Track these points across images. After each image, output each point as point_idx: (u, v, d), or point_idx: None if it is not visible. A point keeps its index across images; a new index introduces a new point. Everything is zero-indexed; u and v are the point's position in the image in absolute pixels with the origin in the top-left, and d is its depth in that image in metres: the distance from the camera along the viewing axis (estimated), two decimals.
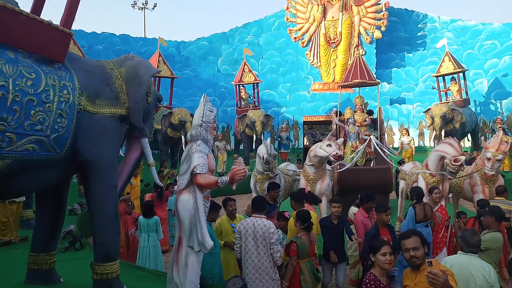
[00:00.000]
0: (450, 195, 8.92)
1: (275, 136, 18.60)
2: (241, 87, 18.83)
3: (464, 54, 20.61)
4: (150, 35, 41.22)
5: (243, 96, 18.87)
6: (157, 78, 16.57)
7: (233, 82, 19.16)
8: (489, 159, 7.53)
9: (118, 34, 22.23)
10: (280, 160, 14.82)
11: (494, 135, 9.56)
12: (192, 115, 16.35)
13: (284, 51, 22.32)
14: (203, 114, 4.29)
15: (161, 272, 6.00)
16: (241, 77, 18.43)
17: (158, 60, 16.48)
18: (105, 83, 4.57)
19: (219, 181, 3.94)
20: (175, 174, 8.71)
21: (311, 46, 21.40)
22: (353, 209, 6.72)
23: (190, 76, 21.89)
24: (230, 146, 19.58)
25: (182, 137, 14.08)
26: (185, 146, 4.37)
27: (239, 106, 18.71)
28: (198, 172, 3.96)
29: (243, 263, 4.82)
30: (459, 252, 3.62)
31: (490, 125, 17.10)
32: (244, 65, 18.63)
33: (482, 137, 14.60)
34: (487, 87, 19.00)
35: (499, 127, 14.32)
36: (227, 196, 6.23)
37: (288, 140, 18.02)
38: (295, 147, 19.84)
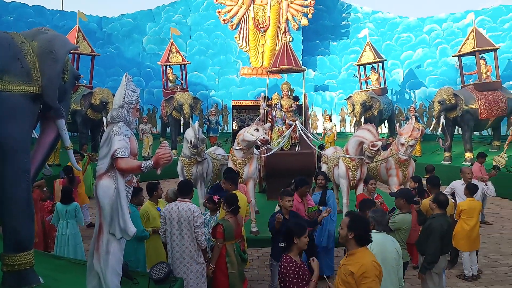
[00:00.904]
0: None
1: (203, 120, 18.38)
2: (168, 68, 18.28)
3: (383, 45, 21.85)
4: (69, 8, 38.35)
5: (170, 78, 18.34)
6: (76, 55, 15.48)
7: (159, 62, 18.51)
8: (402, 144, 8.10)
9: (31, 5, 20.30)
10: (209, 144, 14.73)
11: (407, 122, 10.32)
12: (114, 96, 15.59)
13: (213, 33, 21.99)
14: (125, 94, 4.08)
15: (80, 260, 5.70)
16: (168, 58, 17.86)
17: (77, 35, 15.39)
18: (14, 57, 4.14)
19: (142, 166, 3.79)
20: (95, 157, 8.28)
21: (240, 30, 21.32)
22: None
23: (112, 54, 20.73)
24: (156, 129, 19.01)
25: (104, 118, 13.39)
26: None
27: (165, 87, 18.17)
28: (119, 156, 3.76)
29: (169, 248, 4.77)
30: (373, 231, 3.90)
31: (405, 113, 18.42)
32: (171, 45, 18.06)
33: (397, 124, 15.69)
34: (402, 77, 20.37)
35: (412, 115, 15.48)
36: (151, 181, 6.07)
37: (217, 124, 17.94)
38: (224, 131, 19.82)
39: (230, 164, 8.38)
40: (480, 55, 14.69)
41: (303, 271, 3.50)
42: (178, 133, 16.85)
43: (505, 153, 12.31)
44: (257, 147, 9.19)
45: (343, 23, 24.14)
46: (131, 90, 4.13)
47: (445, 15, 21.64)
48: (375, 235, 3.91)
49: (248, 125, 9.29)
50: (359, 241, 3.28)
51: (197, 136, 7.72)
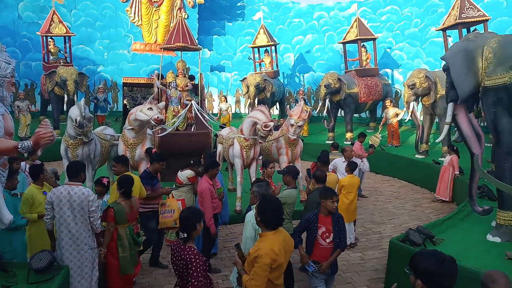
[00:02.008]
0: (261, 157, 9.86)
1: (90, 97, 17.15)
2: (50, 40, 16.54)
3: (277, 28, 22.55)
4: None
5: (52, 50, 16.64)
6: None
7: (38, 33, 16.62)
8: (292, 125, 8.54)
9: None
10: (96, 124, 13.84)
11: (297, 104, 10.89)
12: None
13: (101, 4, 20.39)
14: None
15: None
16: (49, 28, 16.12)
17: None
18: None
19: (19, 146, 3.42)
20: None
21: (132, 3, 20.14)
22: (186, 173, 6.69)
23: None
24: (35, 107, 17.17)
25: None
26: None
27: (46, 61, 16.43)
28: None
29: (58, 235, 4.43)
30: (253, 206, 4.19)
31: (294, 95, 19.37)
32: (53, 14, 16.32)
33: (288, 106, 16.46)
34: (293, 61, 21.32)
35: (301, 98, 16.37)
36: (34, 163, 5.53)
37: (106, 102, 16.89)
38: (114, 109, 18.75)
39: (121, 145, 8.00)
40: (362, 44, 16.05)
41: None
42: (61, 111, 15.50)
43: (379, 134, 13.74)
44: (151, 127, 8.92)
45: (239, 4, 24.28)
46: (5, 62, 3.67)
47: (333, 4, 23.07)
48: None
49: (141, 104, 8.95)
50: (265, 225, 3.35)
51: (83, 114, 7.21)
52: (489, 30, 11.94)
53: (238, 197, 8.28)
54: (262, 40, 17.91)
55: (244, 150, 8.23)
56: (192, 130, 10.61)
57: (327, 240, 4.44)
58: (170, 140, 9.64)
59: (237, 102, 20.19)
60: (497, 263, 4.80)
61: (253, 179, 8.16)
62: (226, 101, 17.02)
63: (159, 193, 6.07)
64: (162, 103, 9.06)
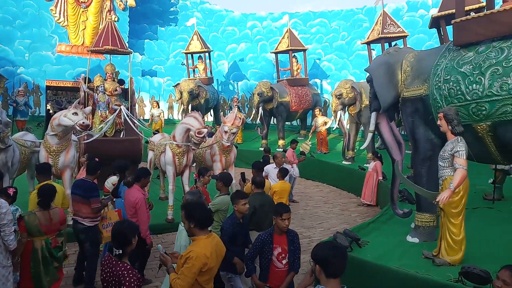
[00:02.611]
0: (194, 164, 9.75)
1: (9, 101, 15.88)
2: None
3: (210, 35, 22.56)
4: None
5: None
6: None
7: None
8: (226, 132, 8.56)
9: None
10: (16, 129, 12.83)
11: (231, 111, 10.95)
12: None
13: (22, 1, 19.04)
14: None
15: None
16: None
17: None
18: None
19: None
20: None
21: (57, 2, 19.02)
22: (112, 179, 6.37)
23: None
24: None
25: None
26: None
27: None
28: None
29: None
30: None
31: (229, 102, 19.44)
32: None
33: (221, 113, 16.48)
34: (227, 69, 21.43)
35: (235, 105, 16.47)
36: None
37: (27, 106, 15.70)
38: (36, 114, 17.48)
39: (42, 152, 7.48)
40: (293, 54, 16.56)
41: None
42: None
43: (309, 141, 14.22)
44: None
45: (172, 9, 23.97)
46: None
47: (265, 14, 23.60)
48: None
49: (66, 108, 8.45)
50: (199, 227, 3.34)
51: (0, 119, 6.63)
52: (408, 45, 12.94)
53: (170, 205, 8.09)
54: (196, 46, 17.79)
55: (177, 157, 8.07)
56: (121, 136, 10.22)
57: (283, 262, 4.10)
58: (97, 146, 9.19)
59: (170, 108, 19.82)
60: (415, 262, 5.15)
61: (186, 187, 8.03)
62: (158, 107, 16.62)
63: (103, 205, 5.72)
64: (89, 108, 8.63)
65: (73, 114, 7.30)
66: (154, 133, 10.84)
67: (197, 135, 7.62)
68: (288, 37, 16.31)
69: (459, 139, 4.73)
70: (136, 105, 16.50)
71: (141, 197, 5.43)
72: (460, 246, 4.86)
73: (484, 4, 7.03)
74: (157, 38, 22.68)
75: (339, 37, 21.20)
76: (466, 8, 8.06)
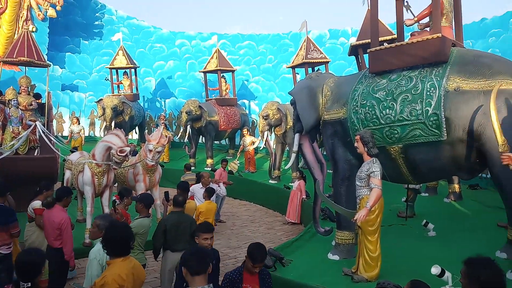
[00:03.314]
0: (116, 184, 9.31)
1: None
2: None
3: (137, 51, 22.02)
4: None
5: None
6: None
7: None
8: (150, 150, 8.32)
9: None
10: None
11: (156, 129, 10.68)
12: None
13: None
14: None
15: None
16: None
17: None
18: None
19: None
20: None
21: None
22: (33, 204, 5.82)
23: None
24: None
25: None
26: None
27: None
28: None
29: None
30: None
31: (155, 120, 18.98)
32: None
33: (146, 131, 15.98)
34: (154, 86, 20.99)
35: (162, 123, 16.12)
36: None
37: None
38: None
39: None
40: (222, 74, 16.69)
41: None
42: None
43: (237, 160, 14.31)
44: None
45: (97, 22, 23.10)
46: None
47: (195, 33, 23.64)
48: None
49: None
50: (113, 252, 3.21)
51: None
52: (329, 71, 13.69)
53: (87, 228, 7.58)
54: (121, 61, 17.24)
55: (96, 177, 7.65)
56: (36, 154, 9.50)
57: None
58: (9, 165, 8.45)
59: (92, 124, 18.86)
60: (336, 279, 5.31)
61: (106, 209, 7.62)
62: (79, 123, 15.72)
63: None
64: None
65: None
66: (72, 151, 10.20)
67: (118, 153, 7.30)
68: (217, 57, 16.44)
69: (374, 160, 5.03)
70: (54, 121, 15.51)
71: (67, 217, 5.20)
72: (376, 263, 5.11)
73: (395, 35, 7.66)
74: (80, 52, 21.65)
75: (266, 60, 21.83)
76: (380, 38, 8.75)
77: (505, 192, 4.96)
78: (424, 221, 7.13)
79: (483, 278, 2.39)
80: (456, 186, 9.35)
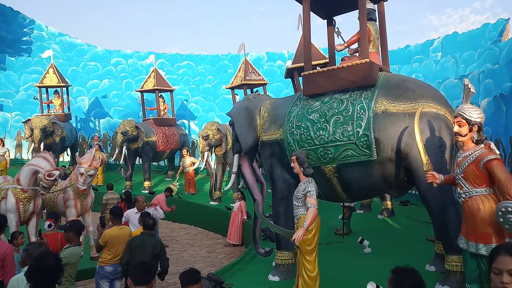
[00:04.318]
0: (45, 210, 8.70)
1: None
2: None
3: (69, 70, 21.10)
4: None
5: None
6: None
7: None
8: (82, 174, 7.90)
9: None
10: None
11: (88, 151, 10.18)
12: None
13: None
14: None
15: None
16: None
17: None
18: None
19: None
20: None
21: None
22: None
23: None
24: None
25: None
26: None
27: None
28: None
29: None
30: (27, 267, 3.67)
31: (89, 141, 18.14)
32: None
33: (77, 153, 15.18)
34: (88, 105, 20.14)
35: (96, 144, 15.43)
36: None
37: None
38: None
39: None
40: (160, 94, 16.40)
41: None
42: None
43: (177, 182, 14.00)
44: None
45: (25, 38, 21.88)
46: None
47: (131, 52, 23.14)
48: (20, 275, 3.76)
49: None
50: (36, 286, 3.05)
51: None
52: (267, 92, 13.97)
53: None
54: (52, 80, 16.39)
55: (22, 203, 7.11)
56: None
57: None
58: None
59: (18, 146, 17.63)
60: None
61: (32, 237, 7.06)
62: (3, 145, 14.61)
63: None
64: None
65: None
66: None
67: (46, 177, 6.85)
68: (154, 77, 16.16)
69: (310, 180, 5.14)
70: None
71: (10, 247, 4.81)
72: (315, 282, 5.15)
73: (328, 59, 8.01)
74: (5, 69, 20.31)
75: (206, 80, 21.85)
76: (314, 62, 9.12)
77: (431, 208, 5.27)
78: (360, 238, 7.38)
79: (406, 285, 2.58)
80: (389, 203, 9.84)
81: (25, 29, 22.11)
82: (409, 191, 9.10)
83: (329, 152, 5.56)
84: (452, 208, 5.08)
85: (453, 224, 4.97)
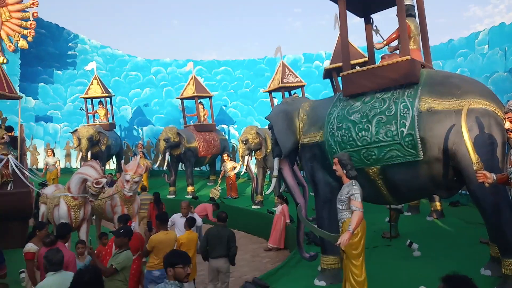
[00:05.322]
0: (94, 216, 9.05)
1: None
2: None
3: (112, 80, 21.88)
4: None
5: None
6: None
7: None
8: (127, 181, 8.14)
9: None
10: None
11: (133, 159, 10.51)
12: None
13: None
14: None
15: None
16: None
17: None
18: None
19: None
20: None
21: None
22: (28, 247, 5.59)
23: None
24: None
25: None
26: None
27: None
28: None
29: None
30: (49, 273, 3.91)
31: (133, 149, 18.72)
32: None
33: (123, 161, 15.71)
34: (131, 114, 20.79)
35: (140, 151, 15.90)
36: None
37: None
38: None
39: None
40: (199, 100, 16.69)
41: None
42: None
43: (219, 186, 14.16)
44: None
45: (70, 52, 22.93)
46: None
47: (170, 60, 23.70)
48: (51, 277, 3.89)
49: None
50: None
51: None
52: (305, 94, 13.87)
53: None
54: (96, 91, 17.05)
55: (72, 210, 7.44)
56: (9, 189, 9.20)
57: None
58: None
59: (68, 155, 18.45)
60: None
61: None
62: (54, 155, 15.36)
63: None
64: None
65: None
66: (42, 185, 9.92)
67: (95, 185, 7.13)
68: (193, 84, 16.46)
69: (353, 182, 5.03)
70: (28, 153, 15.11)
71: (72, 254, 5.09)
72: (362, 287, 5.03)
73: (367, 58, 7.84)
74: (53, 82, 21.37)
75: (243, 85, 22.00)
76: (353, 61, 8.95)
77: (483, 209, 5.02)
78: (408, 241, 7.14)
79: None
80: (438, 204, 9.46)
81: (70, 44, 23.17)
82: (459, 191, 8.73)
83: (373, 153, 5.42)
84: (507, 208, 4.81)
85: (509, 225, 4.71)
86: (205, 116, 16.88)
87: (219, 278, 6.26)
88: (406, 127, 5.19)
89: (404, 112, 5.26)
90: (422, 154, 5.15)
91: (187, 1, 60.21)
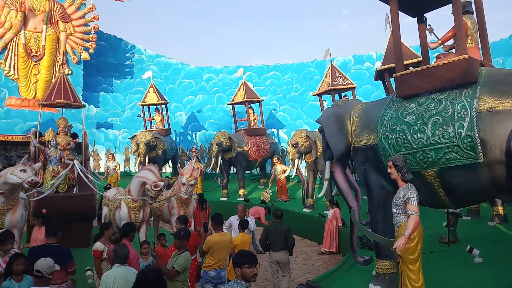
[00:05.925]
0: (152, 218, 9.46)
1: None
2: None
3: (167, 88, 22.77)
4: None
5: None
6: None
7: None
8: (184, 184, 8.46)
9: None
10: None
11: (189, 162, 10.89)
12: None
13: None
14: None
15: None
16: None
17: None
18: None
19: None
20: None
21: (7, 55, 18.69)
22: (97, 246, 6.01)
23: None
24: None
25: None
26: None
27: None
28: None
29: None
30: (115, 265, 4.28)
31: (187, 153, 19.32)
32: None
33: (179, 164, 16.27)
34: (185, 120, 21.51)
35: (194, 155, 16.40)
36: None
37: None
38: None
39: None
40: (249, 105, 16.96)
41: None
42: None
43: (269, 189, 14.28)
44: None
45: (127, 62, 24.14)
46: None
47: (221, 67, 24.26)
48: (117, 268, 4.20)
49: (15, 164, 8.09)
50: None
51: None
52: (356, 96, 13.65)
53: None
54: (152, 98, 17.82)
55: (133, 212, 7.83)
56: (75, 191, 9.84)
57: None
58: (49, 203, 8.74)
59: (127, 160, 19.39)
60: None
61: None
62: (114, 160, 16.24)
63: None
64: (38, 164, 8.28)
65: (21, 171, 6.98)
66: (106, 188, 10.50)
67: (153, 188, 7.47)
68: (243, 89, 16.75)
69: (409, 186, 4.93)
70: (91, 158, 16.05)
71: (135, 251, 5.37)
72: None
73: (421, 58, 7.62)
74: (113, 91, 22.58)
75: (292, 88, 22.04)
76: (406, 62, 8.72)
77: None
78: (469, 246, 6.84)
79: None
80: (500, 208, 8.96)
81: (127, 54, 24.42)
82: None
83: (429, 155, 5.26)
84: None
85: None
86: (255, 121, 17.10)
87: (281, 269, 6.74)
88: (465, 128, 5.00)
89: (461, 113, 5.07)
90: (482, 156, 4.94)
91: (235, 9, 61.31)
